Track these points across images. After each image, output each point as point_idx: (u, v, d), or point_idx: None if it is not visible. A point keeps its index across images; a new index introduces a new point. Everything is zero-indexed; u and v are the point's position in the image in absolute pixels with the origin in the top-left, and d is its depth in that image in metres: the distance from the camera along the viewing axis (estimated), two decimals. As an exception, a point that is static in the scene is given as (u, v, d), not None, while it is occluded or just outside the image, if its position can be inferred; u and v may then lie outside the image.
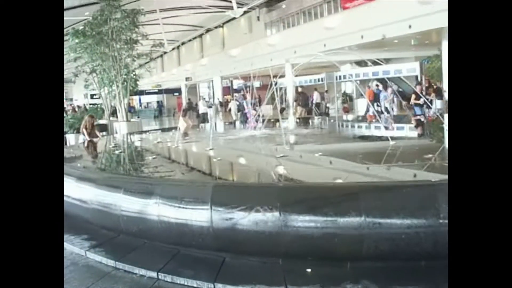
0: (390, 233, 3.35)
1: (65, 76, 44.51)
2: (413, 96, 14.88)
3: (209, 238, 3.74)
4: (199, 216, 3.77)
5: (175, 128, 14.29)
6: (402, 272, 3.34)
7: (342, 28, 19.74)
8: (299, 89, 22.41)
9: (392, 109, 19.43)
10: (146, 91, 46.75)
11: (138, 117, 33.05)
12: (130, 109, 28.88)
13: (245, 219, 3.53)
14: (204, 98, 36.86)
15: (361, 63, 26.35)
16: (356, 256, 3.49)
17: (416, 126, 11.06)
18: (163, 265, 3.75)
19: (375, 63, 25.37)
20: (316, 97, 23.64)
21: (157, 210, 4.01)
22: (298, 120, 16.39)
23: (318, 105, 23.39)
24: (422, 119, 12.42)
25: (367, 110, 20.04)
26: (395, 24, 16.80)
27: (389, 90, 19.22)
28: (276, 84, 32.25)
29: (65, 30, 19.50)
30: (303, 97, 21.16)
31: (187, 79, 38.84)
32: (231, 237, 3.68)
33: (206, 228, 3.72)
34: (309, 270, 3.43)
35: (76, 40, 16.92)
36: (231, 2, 25.46)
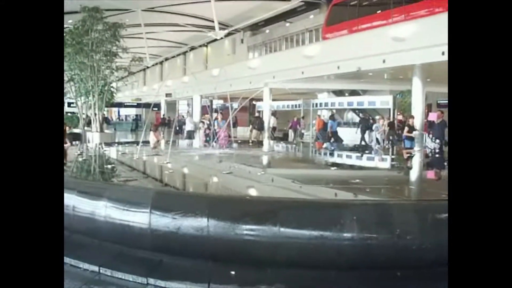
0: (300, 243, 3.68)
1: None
2: (406, 128, 15.38)
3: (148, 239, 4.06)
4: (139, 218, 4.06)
5: (147, 142, 14.48)
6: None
7: (320, 58, 20.18)
8: (256, 114, 23.11)
9: (383, 140, 19.90)
10: (125, 104, 46.68)
11: (115, 129, 33.03)
12: (107, 120, 28.95)
13: (178, 223, 3.80)
14: (191, 115, 36.99)
15: (338, 93, 26.90)
16: (273, 262, 3.79)
17: (407, 159, 11.43)
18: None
19: (353, 93, 26.16)
20: (272, 121, 24.71)
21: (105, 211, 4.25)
22: (251, 142, 16.84)
23: (274, 129, 24.96)
24: (413, 153, 12.78)
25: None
26: (370, 57, 17.28)
27: (381, 121, 19.76)
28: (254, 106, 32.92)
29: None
30: (259, 121, 22.22)
31: (167, 95, 38.95)
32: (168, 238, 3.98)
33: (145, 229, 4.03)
34: (232, 272, 3.69)
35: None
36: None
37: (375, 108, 23.79)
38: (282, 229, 3.62)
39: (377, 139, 19.91)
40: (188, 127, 19.23)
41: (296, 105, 28.84)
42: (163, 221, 3.93)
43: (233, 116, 22.83)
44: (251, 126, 21.63)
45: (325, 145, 16.43)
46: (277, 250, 3.67)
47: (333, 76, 20.87)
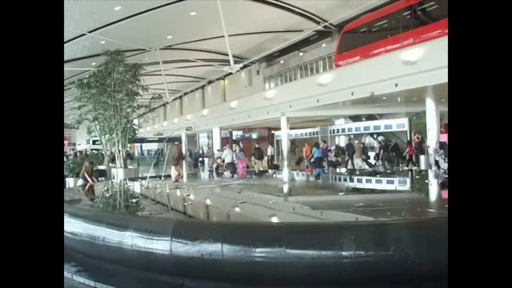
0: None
1: (69, 122, 45.57)
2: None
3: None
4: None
5: (169, 176, 15.03)
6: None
7: (334, 85, 20.49)
8: (256, 145, 23.93)
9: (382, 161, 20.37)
10: (147, 139, 47.68)
11: (138, 164, 33.78)
12: (130, 156, 29.70)
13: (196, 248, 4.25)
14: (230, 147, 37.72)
15: (354, 118, 27.16)
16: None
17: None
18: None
19: (369, 117, 26.38)
20: (270, 150, 26.56)
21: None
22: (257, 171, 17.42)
23: (272, 157, 26.43)
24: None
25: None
26: (383, 82, 17.53)
27: (376, 144, 20.18)
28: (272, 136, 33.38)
29: (71, 79, 20.64)
30: (258, 151, 22.86)
31: (187, 128, 39.77)
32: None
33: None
34: None
35: (81, 91, 17.94)
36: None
37: (391, 131, 23.98)
38: (288, 251, 4.01)
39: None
40: (227, 159, 19.81)
41: (314, 132, 29.24)
42: (183, 248, 4.37)
43: (254, 147, 23.54)
44: (252, 156, 22.33)
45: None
46: (284, 270, 4.06)
47: (348, 102, 21.12)
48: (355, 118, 27.31)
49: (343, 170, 18.43)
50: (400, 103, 22.43)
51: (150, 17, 22.18)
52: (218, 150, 23.88)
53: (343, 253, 3.85)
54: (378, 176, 14.04)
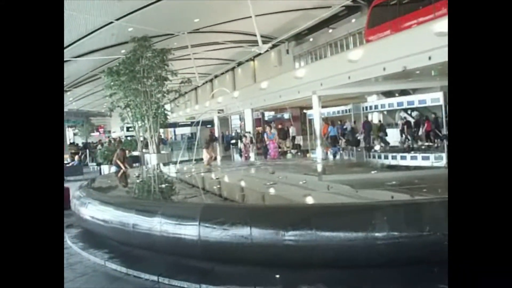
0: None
1: (102, 110, 46.33)
2: None
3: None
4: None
5: (202, 159, 15.09)
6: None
7: (365, 61, 20.09)
8: (279, 126, 23.99)
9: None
10: (180, 123, 48.04)
11: (172, 149, 34.14)
12: (163, 141, 29.98)
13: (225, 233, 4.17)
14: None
15: (387, 94, 26.64)
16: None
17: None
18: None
19: (403, 92, 25.84)
20: (291, 130, 26.68)
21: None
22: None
23: (294, 138, 26.71)
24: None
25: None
26: (415, 56, 17.07)
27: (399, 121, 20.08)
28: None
29: (102, 68, 20.85)
30: (282, 132, 23.74)
31: (219, 111, 39.83)
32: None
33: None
34: (277, 276, 3.99)
35: (111, 78, 18.10)
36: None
37: (426, 106, 23.42)
38: (318, 233, 3.90)
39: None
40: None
41: (346, 110, 28.81)
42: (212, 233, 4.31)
43: (285, 127, 23.48)
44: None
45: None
46: (314, 252, 3.96)
47: (380, 78, 20.71)
48: (388, 94, 26.79)
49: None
50: (434, 77, 21.85)
51: (176, 1, 22.04)
52: (248, 133, 23.97)
53: (376, 234, 3.70)
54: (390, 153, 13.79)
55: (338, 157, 14.03)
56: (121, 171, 12.07)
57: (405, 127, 22.10)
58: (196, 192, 7.46)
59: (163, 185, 8.05)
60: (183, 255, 4.63)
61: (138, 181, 9.46)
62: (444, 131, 21.63)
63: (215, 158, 14.68)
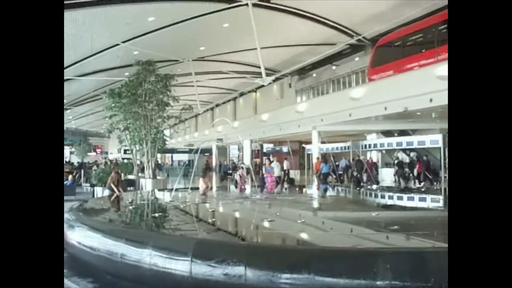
0: None
1: (101, 131, 46.25)
2: None
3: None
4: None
5: (197, 188, 14.91)
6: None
7: (367, 99, 20.22)
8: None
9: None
10: (178, 150, 47.93)
11: (168, 175, 33.90)
12: (159, 166, 29.80)
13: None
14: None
15: (387, 133, 26.69)
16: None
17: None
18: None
19: (402, 132, 25.89)
20: (285, 164, 26.51)
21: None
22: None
23: (287, 172, 26.81)
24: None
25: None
26: (417, 97, 17.16)
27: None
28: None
29: (105, 88, 20.86)
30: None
31: (218, 140, 39.82)
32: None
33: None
34: None
35: (112, 100, 18.04)
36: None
37: (425, 147, 23.43)
38: (316, 278, 3.71)
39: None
40: (276, 172, 19.85)
41: (345, 147, 28.78)
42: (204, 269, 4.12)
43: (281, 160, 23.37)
44: None
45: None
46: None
47: (381, 117, 20.82)
48: (387, 133, 26.84)
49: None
50: (434, 119, 21.98)
51: (183, 28, 22.24)
52: (243, 164, 23.90)
53: (378, 282, 3.52)
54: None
55: (329, 193, 13.86)
56: (115, 194, 11.87)
57: (397, 168, 22.24)
58: (190, 224, 7.19)
59: (156, 214, 7.81)
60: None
61: (130, 207, 9.24)
62: (440, 172, 21.69)
63: (211, 188, 14.46)
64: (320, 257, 4.00)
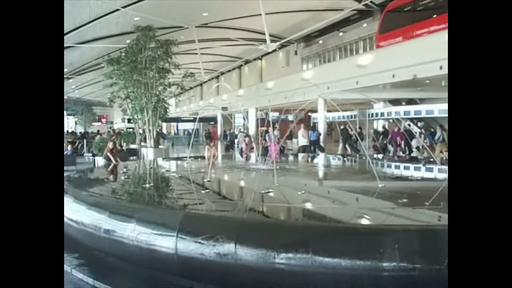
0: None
1: (102, 100, 46.02)
2: None
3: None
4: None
5: (202, 157, 14.58)
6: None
7: (375, 67, 19.72)
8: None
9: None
10: (182, 118, 47.63)
11: (172, 144, 33.64)
12: (162, 135, 29.52)
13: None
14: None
15: (394, 102, 26.20)
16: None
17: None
18: None
19: (410, 101, 25.39)
20: (276, 133, 24.97)
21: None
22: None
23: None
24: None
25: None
26: (426, 64, 16.66)
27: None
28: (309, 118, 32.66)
29: (105, 57, 20.39)
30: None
31: (223, 108, 39.41)
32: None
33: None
34: None
35: (111, 68, 17.58)
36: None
37: (433, 116, 22.96)
38: (315, 258, 3.33)
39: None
40: (301, 141, 19.40)
41: (351, 116, 28.31)
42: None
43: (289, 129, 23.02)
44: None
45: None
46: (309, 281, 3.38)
47: (389, 85, 20.33)
48: (395, 102, 26.33)
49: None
50: (443, 88, 21.47)
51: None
52: (241, 132, 23.48)
53: (384, 264, 3.15)
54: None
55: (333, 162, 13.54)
56: (112, 164, 11.53)
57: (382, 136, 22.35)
58: (182, 196, 6.73)
59: (147, 185, 7.38)
60: (158, 269, 4.05)
61: (123, 178, 8.84)
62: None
63: (216, 157, 14.07)
64: (319, 235, 3.61)
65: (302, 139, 19.98)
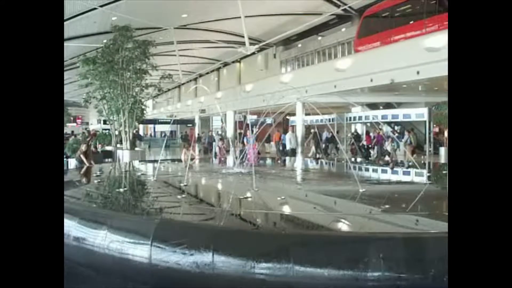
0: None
1: (77, 101, 45.27)
2: None
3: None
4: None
5: (179, 159, 14.32)
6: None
7: (353, 71, 19.83)
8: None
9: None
10: (159, 120, 47.18)
11: (149, 146, 33.22)
12: (139, 137, 29.11)
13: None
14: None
15: (372, 106, 26.41)
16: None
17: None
18: None
19: (387, 105, 25.58)
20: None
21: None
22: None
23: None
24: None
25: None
26: (404, 69, 16.83)
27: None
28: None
29: (80, 56, 19.97)
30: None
31: (201, 111, 39.13)
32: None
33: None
34: None
35: (87, 68, 17.23)
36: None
37: (410, 121, 23.20)
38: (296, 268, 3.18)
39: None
40: (289, 145, 19.15)
41: (329, 120, 28.41)
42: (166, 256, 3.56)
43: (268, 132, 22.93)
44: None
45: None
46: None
47: (367, 89, 20.48)
48: (373, 106, 26.52)
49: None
50: (420, 92, 21.80)
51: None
52: (218, 134, 23.38)
53: (368, 274, 3.03)
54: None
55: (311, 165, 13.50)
56: (85, 167, 11.20)
57: (353, 140, 22.92)
58: (157, 201, 6.45)
59: (121, 189, 7.10)
60: (130, 279, 3.85)
61: (96, 181, 8.54)
62: (424, 146, 21.52)
63: (193, 159, 13.81)
64: (301, 243, 3.48)
65: (290, 142, 19.77)
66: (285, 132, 21.83)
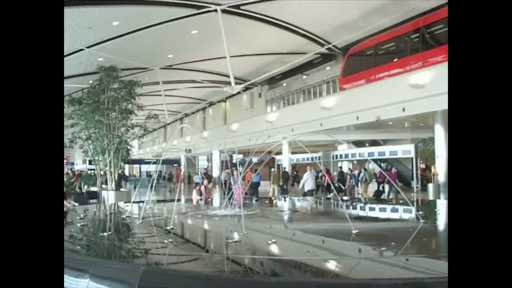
0: None
1: (65, 142, 44.89)
2: None
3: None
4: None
5: (164, 200, 14.07)
6: None
7: (338, 109, 19.98)
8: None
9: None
10: (145, 160, 46.86)
11: (135, 186, 32.82)
12: (124, 177, 28.75)
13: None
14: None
15: (358, 143, 26.51)
16: None
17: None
18: None
19: (373, 143, 25.71)
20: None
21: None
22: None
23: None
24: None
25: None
26: (389, 106, 16.98)
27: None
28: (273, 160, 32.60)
29: (66, 97, 19.85)
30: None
31: (187, 150, 38.98)
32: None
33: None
34: None
35: (72, 108, 17.11)
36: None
37: (397, 157, 23.30)
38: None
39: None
40: (309, 184, 17.80)
41: (316, 158, 28.43)
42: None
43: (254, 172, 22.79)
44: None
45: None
46: None
47: (353, 126, 20.58)
48: (359, 143, 26.63)
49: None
50: (406, 129, 21.97)
51: (150, 34, 21.51)
52: (197, 174, 23.27)
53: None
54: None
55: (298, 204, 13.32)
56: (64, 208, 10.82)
57: (338, 176, 22.84)
58: (143, 246, 6.13)
59: (105, 233, 6.81)
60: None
61: (79, 224, 8.19)
62: (412, 182, 21.47)
63: (202, 200, 13.50)
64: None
65: (310, 182, 18.90)
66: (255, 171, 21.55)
